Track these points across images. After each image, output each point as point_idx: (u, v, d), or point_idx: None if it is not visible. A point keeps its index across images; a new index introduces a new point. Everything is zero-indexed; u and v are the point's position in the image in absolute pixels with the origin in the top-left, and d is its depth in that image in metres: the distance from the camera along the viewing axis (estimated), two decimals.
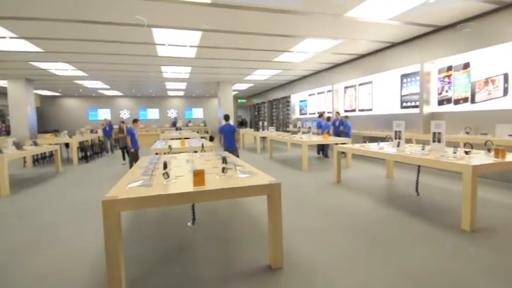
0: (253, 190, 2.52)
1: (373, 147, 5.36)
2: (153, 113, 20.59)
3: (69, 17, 5.39)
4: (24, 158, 9.00)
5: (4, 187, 5.44)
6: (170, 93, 18.97)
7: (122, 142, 9.17)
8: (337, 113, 9.71)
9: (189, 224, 3.66)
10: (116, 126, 13.21)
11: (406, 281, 2.34)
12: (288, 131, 14.21)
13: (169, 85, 15.26)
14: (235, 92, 18.31)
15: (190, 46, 7.58)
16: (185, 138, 8.69)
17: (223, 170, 2.98)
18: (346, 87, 10.90)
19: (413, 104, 7.89)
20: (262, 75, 12.60)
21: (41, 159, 9.76)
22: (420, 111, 7.35)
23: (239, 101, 21.95)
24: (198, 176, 2.49)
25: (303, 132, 9.63)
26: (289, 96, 15.59)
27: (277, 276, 2.45)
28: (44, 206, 4.72)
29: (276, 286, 2.32)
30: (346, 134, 8.72)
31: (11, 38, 6.38)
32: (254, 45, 7.75)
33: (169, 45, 7.43)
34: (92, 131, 14.92)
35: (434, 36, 6.76)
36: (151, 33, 6.38)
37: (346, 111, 10.76)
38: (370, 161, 8.17)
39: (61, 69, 10.09)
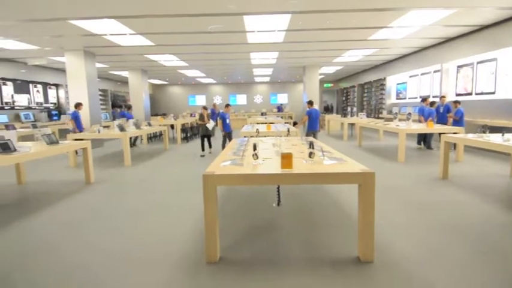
0: (344, 177, 2.38)
1: (495, 138, 4.37)
2: (241, 99, 21.74)
3: (175, 12, 6.05)
4: (141, 135, 10.86)
5: (127, 159, 6.70)
6: (257, 79, 19.62)
7: (203, 130, 8.02)
8: (443, 97, 8.26)
9: (274, 204, 3.78)
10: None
11: None
12: (381, 118, 12.93)
13: (256, 71, 15.78)
14: (322, 76, 17.61)
15: (279, 31, 7.57)
16: (270, 123, 8.90)
17: (310, 155, 2.91)
18: (459, 66, 9.12)
19: None
20: (353, 56, 11.68)
21: (153, 138, 11.61)
22: None
23: (325, 85, 21.07)
24: (286, 158, 2.51)
25: (400, 119, 8.60)
26: (384, 79, 14.08)
27: (366, 269, 2.30)
28: (155, 176, 5.62)
29: (366, 280, 2.18)
30: (458, 122, 7.37)
31: (130, 34, 7.60)
32: (345, 24, 7.18)
33: (258, 31, 7.60)
34: (191, 115, 16.83)
35: None
36: (242, 21, 6.62)
37: (458, 94, 9.06)
38: (489, 156, 6.75)
39: (168, 60, 11.59)
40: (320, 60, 12.69)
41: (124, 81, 17.41)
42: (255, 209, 3.76)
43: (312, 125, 7.65)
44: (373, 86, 15.46)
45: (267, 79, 19.77)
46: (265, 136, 5.68)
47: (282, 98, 21.71)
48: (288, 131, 5.65)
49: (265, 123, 9.22)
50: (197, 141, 11.26)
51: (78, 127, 8.04)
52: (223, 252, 2.58)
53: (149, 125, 9.67)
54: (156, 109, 21.23)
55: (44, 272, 2.38)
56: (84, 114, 9.38)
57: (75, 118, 8.08)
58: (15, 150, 4.00)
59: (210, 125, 7.90)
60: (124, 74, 14.92)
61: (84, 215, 3.70)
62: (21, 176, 5.21)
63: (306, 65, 13.43)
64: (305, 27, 7.39)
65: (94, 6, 5.52)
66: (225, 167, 2.67)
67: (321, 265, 2.38)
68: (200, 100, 21.63)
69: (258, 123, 9.16)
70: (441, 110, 7.98)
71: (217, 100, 21.48)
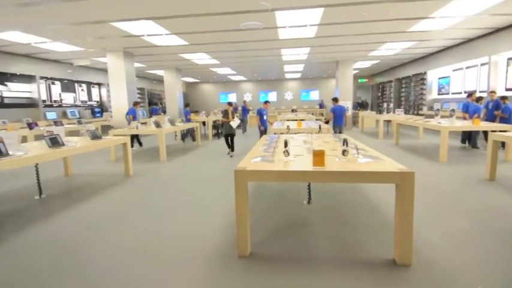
0: (380, 177, 2.27)
1: None
2: (271, 96, 21.68)
3: (208, 11, 6.16)
4: (175, 132, 11.27)
5: (163, 154, 7.00)
6: (287, 75, 19.44)
7: (226, 128, 7.27)
8: (492, 92, 7.55)
9: (304, 202, 3.72)
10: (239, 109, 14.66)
11: None
12: (420, 115, 12.17)
13: (287, 68, 15.62)
14: (356, 71, 16.97)
15: (311, 25, 7.41)
16: (301, 120, 8.78)
17: (344, 152, 2.82)
18: (510, 59, 8.29)
19: None
20: (390, 49, 11.10)
21: (186, 134, 12.00)
22: None
23: (359, 80, 20.29)
24: (318, 156, 2.45)
25: (442, 116, 8.03)
26: (424, 73, 13.22)
27: (403, 273, 2.18)
28: (188, 172, 5.81)
29: (402, 284, 2.07)
30: (506, 120, 6.72)
31: (165, 34, 7.89)
32: (383, 16, 6.83)
33: (290, 27, 7.50)
34: (221, 112, 17.13)
35: None
36: (274, 17, 6.57)
37: (508, 89, 8.25)
38: None
39: (201, 58, 11.88)
40: (354, 55, 12.24)
41: (159, 80, 18.18)
42: (285, 206, 3.74)
43: (337, 121, 8.02)
44: (412, 80, 14.58)
45: (298, 75, 19.50)
46: (295, 133, 5.62)
47: (314, 95, 21.30)
48: (320, 128, 5.53)
49: (296, 120, 9.10)
50: None
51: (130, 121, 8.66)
52: (253, 247, 2.60)
53: (183, 121, 10.04)
54: (190, 106, 21.92)
55: (90, 257, 2.57)
56: (123, 112, 9.95)
57: (133, 114, 8.80)
58: (63, 144, 4.35)
59: (235, 123, 7.19)
60: (160, 72, 15.56)
61: (123, 206, 3.94)
62: (68, 169, 5.67)
63: (339, 59, 13.03)
64: (339, 21, 7.15)
65: (133, 8, 5.82)
66: (256, 163, 2.68)
67: (353, 266, 2.31)
68: (231, 97, 21.95)
69: (288, 120, 9.07)
70: (490, 106, 7.32)
71: (248, 97, 21.62)
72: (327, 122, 8.42)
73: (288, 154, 2.85)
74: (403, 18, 7.04)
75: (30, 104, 10.72)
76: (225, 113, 7.18)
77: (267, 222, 3.22)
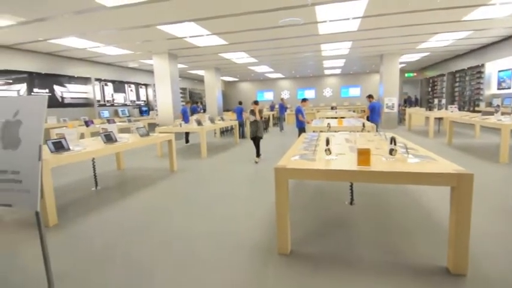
0: (434, 178, 2.11)
1: None
2: (309, 93, 21.27)
3: (247, 10, 6.22)
4: (215, 129, 11.60)
5: (204, 152, 7.25)
6: (327, 71, 18.89)
7: (253, 129, 6.41)
8: None
9: (346, 203, 3.60)
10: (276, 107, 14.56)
11: None
12: (477, 111, 11.04)
13: (326, 63, 15.19)
14: (402, 65, 15.93)
15: (353, 18, 7.10)
16: (341, 118, 8.50)
17: (392, 151, 2.67)
18: None
19: None
20: (441, 40, 10.21)
21: (225, 132, 12.31)
22: None
23: (406, 75, 18.98)
24: (364, 155, 2.35)
25: (503, 113, 7.20)
26: (481, 66, 11.96)
27: (458, 283, 2.01)
28: (227, 168, 5.95)
29: None
30: None
31: (206, 35, 8.13)
32: (433, 4, 6.30)
33: (330, 21, 7.26)
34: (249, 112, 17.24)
35: None
36: (314, 11, 6.42)
37: None
38: None
39: (239, 57, 12.06)
40: (401, 48, 11.47)
41: (200, 80, 18.82)
42: (325, 205, 3.65)
43: (375, 117, 7.88)
44: (467, 74, 13.28)
45: (338, 71, 18.86)
46: (335, 131, 5.45)
47: (354, 91, 20.45)
48: (363, 125, 5.30)
49: (336, 117, 8.83)
50: (266, 136, 11.46)
51: (185, 119, 9.06)
52: (294, 245, 2.58)
53: (222, 119, 10.30)
54: (227, 105, 22.37)
55: (140, 243, 2.77)
56: (168, 110, 10.50)
57: (184, 112, 9.27)
58: (116, 140, 4.73)
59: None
60: (200, 72, 16.11)
61: (169, 199, 4.17)
62: (120, 163, 6.14)
63: (384, 53, 12.31)
64: (384, 12, 6.76)
65: (178, 11, 6.09)
66: (296, 161, 2.65)
67: (400, 273, 2.18)
68: (268, 96, 21.99)
69: (327, 118, 8.83)
70: None
71: (285, 95, 21.46)
72: (368, 119, 8.07)
73: (330, 152, 2.78)
74: (456, 6, 6.43)
75: (86, 103, 11.80)
76: (252, 113, 6.47)
77: (307, 220, 3.17)
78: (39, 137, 1.80)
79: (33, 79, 9.69)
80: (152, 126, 9.39)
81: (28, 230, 3.13)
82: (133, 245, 2.78)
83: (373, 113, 7.88)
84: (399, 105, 15.00)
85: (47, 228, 3.09)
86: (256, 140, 6.53)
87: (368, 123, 6.20)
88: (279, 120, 13.31)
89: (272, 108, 17.14)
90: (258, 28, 7.72)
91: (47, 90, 10.12)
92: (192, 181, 5.10)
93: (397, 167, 2.31)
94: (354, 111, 13.72)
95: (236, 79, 21.72)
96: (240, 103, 11.88)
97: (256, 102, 6.69)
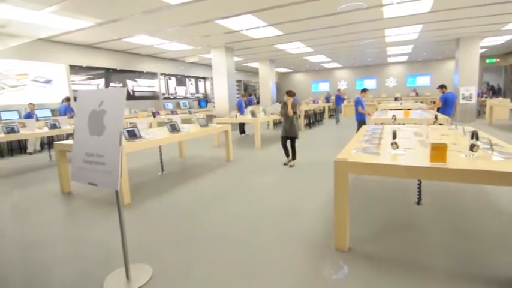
0: None
1: None
2: (369, 83, 19.91)
3: None
4: (268, 121, 11.67)
5: (258, 142, 7.37)
6: (390, 59, 17.39)
7: (286, 127, 5.27)
8: None
9: (412, 202, 3.30)
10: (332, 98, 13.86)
11: None
12: None
13: (390, 50, 13.98)
14: (483, 50, 13.84)
15: None
16: (407, 109, 7.77)
17: (472, 147, 2.34)
18: None
19: None
20: None
21: (278, 123, 12.29)
22: None
23: (488, 61, 16.44)
24: (439, 150, 2.10)
25: None
26: None
27: None
28: (281, 159, 5.94)
29: None
30: None
31: (262, 26, 8.12)
32: None
33: (398, 3, 6.62)
34: (313, 102, 16.79)
35: None
36: None
37: None
38: None
39: (295, 48, 11.83)
40: (482, 29, 9.94)
41: (254, 72, 19.04)
42: (388, 203, 3.40)
43: (448, 110, 7.00)
44: None
45: (404, 58, 17.20)
46: (400, 124, 5.00)
47: (423, 80, 18.46)
48: (435, 117, 4.76)
49: (401, 109, 8.12)
50: (320, 129, 11.12)
51: (241, 111, 9.37)
52: (352, 242, 2.47)
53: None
54: (281, 96, 22.24)
55: (202, 225, 2.95)
56: (224, 102, 10.89)
57: (239, 106, 9.58)
58: (180, 130, 5.07)
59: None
60: (255, 65, 16.28)
61: (226, 185, 4.35)
62: (182, 151, 6.60)
63: (461, 36, 10.83)
64: None
65: (235, 4, 6.20)
66: (358, 155, 2.50)
67: (473, 282, 1.92)
68: (323, 86, 21.24)
69: (391, 110, 8.17)
70: None
71: (342, 85, 20.48)
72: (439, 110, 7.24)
73: (398, 147, 2.56)
74: None
75: (153, 96, 12.91)
76: (284, 106, 5.25)
77: (368, 218, 3.00)
78: (119, 125, 2.01)
79: (110, 75, 10.93)
80: (209, 118, 9.85)
81: (103, 208, 3.57)
82: (198, 226, 2.98)
83: (446, 105, 7.04)
84: (478, 95, 13.11)
85: (122, 206, 3.49)
86: (290, 140, 5.33)
87: (441, 116, 5.56)
88: (335, 112, 12.78)
89: (327, 99, 16.52)
90: (315, 16, 7.43)
91: (121, 85, 11.33)
92: (248, 170, 5.23)
93: (479, 164, 2.02)
94: (421, 102, 12.43)
95: (290, 70, 21.43)
96: (294, 94, 11.54)
97: (289, 93, 5.26)
